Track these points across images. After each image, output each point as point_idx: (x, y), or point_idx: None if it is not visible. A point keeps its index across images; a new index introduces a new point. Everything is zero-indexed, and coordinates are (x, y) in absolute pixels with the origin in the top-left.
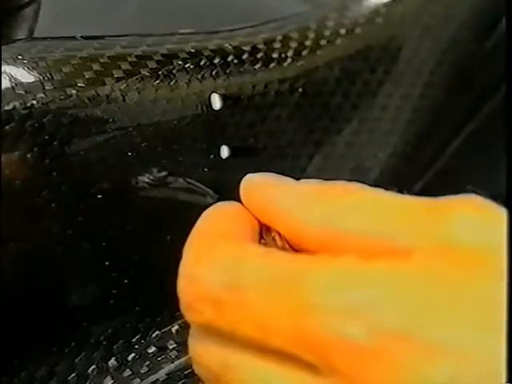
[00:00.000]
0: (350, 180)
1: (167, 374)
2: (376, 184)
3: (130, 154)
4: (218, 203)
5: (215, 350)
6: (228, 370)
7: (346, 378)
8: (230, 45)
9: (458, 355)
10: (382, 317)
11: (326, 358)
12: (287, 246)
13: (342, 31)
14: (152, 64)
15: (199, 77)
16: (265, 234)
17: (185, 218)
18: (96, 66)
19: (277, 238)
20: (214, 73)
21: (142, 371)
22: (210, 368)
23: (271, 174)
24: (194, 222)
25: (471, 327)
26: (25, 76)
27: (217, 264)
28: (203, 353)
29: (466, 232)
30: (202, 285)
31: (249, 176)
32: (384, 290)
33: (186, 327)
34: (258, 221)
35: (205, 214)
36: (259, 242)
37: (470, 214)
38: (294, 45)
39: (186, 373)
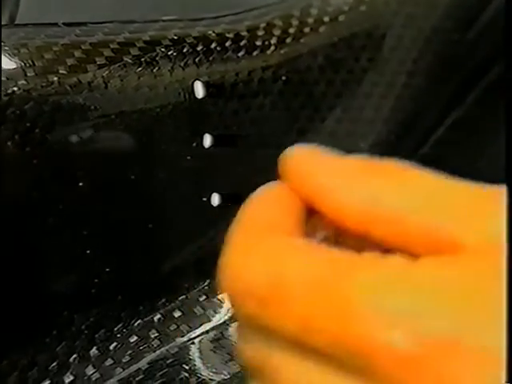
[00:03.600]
0: None
1: (149, 363)
2: None
3: (113, 142)
4: (262, 187)
5: (257, 346)
6: (268, 368)
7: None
8: (214, 32)
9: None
10: (428, 324)
11: (369, 363)
12: (330, 232)
13: (326, 19)
14: (135, 51)
15: (182, 64)
16: (309, 216)
17: (166, 208)
18: (78, 53)
19: (319, 223)
20: (197, 60)
21: (124, 360)
22: (250, 362)
23: (310, 146)
24: (178, 214)
25: None
26: (6, 63)
27: (261, 260)
28: (247, 346)
29: None
30: (246, 281)
31: (288, 151)
32: (431, 295)
33: (168, 317)
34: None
35: (249, 199)
36: (305, 227)
37: None
38: (277, 32)
39: (168, 362)
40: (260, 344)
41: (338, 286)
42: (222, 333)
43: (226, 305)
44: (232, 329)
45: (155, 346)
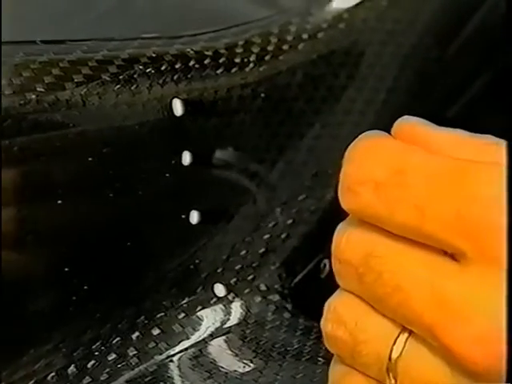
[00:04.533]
0: (311, 186)
1: (127, 381)
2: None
3: (90, 159)
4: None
5: (363, 238)
6: (372, 259)
7: (495, 264)
8: (192, 50)
9: None
10: None
11: (482, 245)
12: None
13: (305, 36)
14: (113, 69)
15: (160, 82)
16: None
17: (145, 225)
18: (56, 71)
19: None
20: (175, 78)
21: (102, 378)
22: (350, 261)
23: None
24: (156, 231)
25: None
26: None
27: (384, 152)
28: (348, 244)
29: None
30: (367, 168)
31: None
32: None
33: (146, 334)
34: None
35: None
36: None
37: None
38: (256, 50)
39: (146, 380)
40: (366, 236)
41: (461, 174)
42: (200, 350)
43: (205, 322)
44: (211, 346)
45: (133, 364)
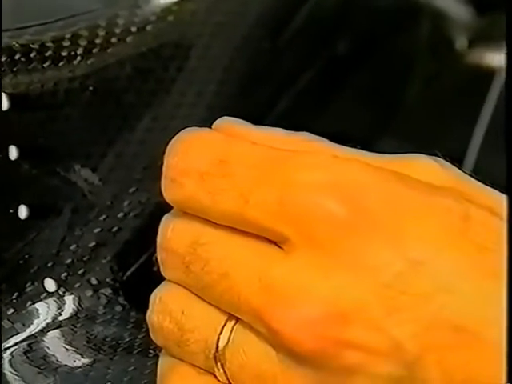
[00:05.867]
0: (142, 179)
1: None
2: None
3: None
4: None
5: (188, 228)
6: (198, 247)
7: (319, 248)
8: (18, 43)
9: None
10: (363, 196)
11: (305, 229)
12: None
13: (133, 29)
14: None
15: None
16: None
17: None
18: None
19: None
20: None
21: None
22: (176, 250)
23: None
24: None
25: None
26: None
27: (207, 142)
28: (174, 233)
29: None
30: (190, 159)
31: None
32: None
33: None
34: None
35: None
36: None
37: None
38: (83, 43)
39: None
40: (191, 226)
41: (282, 162)
42: (31, 345)
43: (36, 318)
44: (43, 341)
45: None
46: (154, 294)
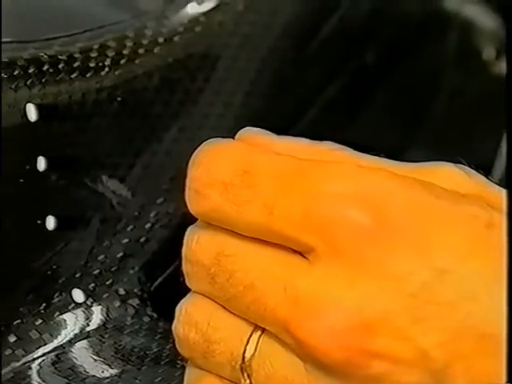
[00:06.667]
0: (169, 190)
1: None
2: None
3: None
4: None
5: (213, 239)
6: (223, 258)
7: (344, 257)
8: (46, 54)
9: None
10: (387, 206)
11: (330, 239)
12: None
13: (161, 40)
14: None
15: (13, 87)
16: None
17: (1, 231)
18: None
19: None
20: (28, 83)
21: None
22: (202, 262)
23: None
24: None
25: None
26: None
27: (231, 153)
28: (199, 245)
29: None
30: (214, 170)
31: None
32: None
33: (2, 342)
34: None
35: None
36: None
37: None
38: (111, 54)
39: None
40: (216, 237)
41: (307, 172)
42: (59, 356)
43: (64, 328)
44: (71, 352)
45: None
46: (179, 305)
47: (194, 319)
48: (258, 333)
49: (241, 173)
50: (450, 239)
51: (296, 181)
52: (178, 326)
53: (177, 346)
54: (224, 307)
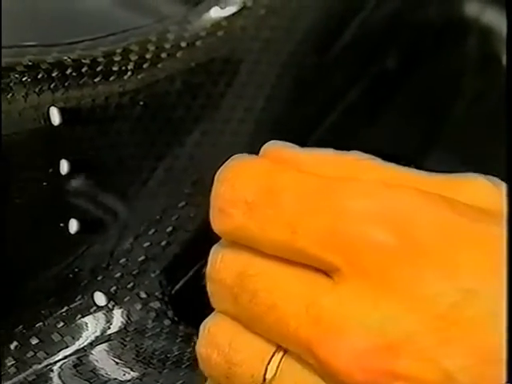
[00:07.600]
0: (191, 194)
1: None
2: None
3: None
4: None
5: (237, 258)
6: (245, 278)
7: (369, 278)
8: (69, 58)
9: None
10: (412, 225)
11: (355, 258)
12: None
13: (183, 44)
14: None
15: (37, 90)
16: None
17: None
18: None
19: None
20: (52, 86)
21: None
22: (225, 281)
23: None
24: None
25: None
26: None
27: (254, 172)
28: (222, 264)
29: None
30: (238, 188)
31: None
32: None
33: (24, 344)
34: None
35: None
36: None
37: None
38: (134, 58)
39: None
40: (239, 256)
41: (331, 190)
42: (81, 359)
43: (85, 331)
44: (92, 354)
45: (11, 373)
46: (203, 324)
47: (215, 340)
48: (281, 353)
49: (264, 192)
50: (474, 259)
51: (320, 199)
52: (201, 347)
53: (200, 365)
54: (246, 327)
